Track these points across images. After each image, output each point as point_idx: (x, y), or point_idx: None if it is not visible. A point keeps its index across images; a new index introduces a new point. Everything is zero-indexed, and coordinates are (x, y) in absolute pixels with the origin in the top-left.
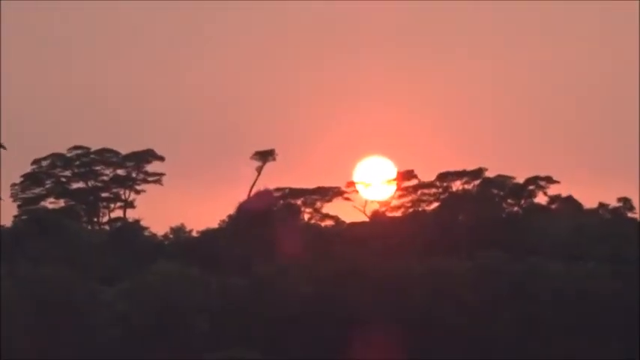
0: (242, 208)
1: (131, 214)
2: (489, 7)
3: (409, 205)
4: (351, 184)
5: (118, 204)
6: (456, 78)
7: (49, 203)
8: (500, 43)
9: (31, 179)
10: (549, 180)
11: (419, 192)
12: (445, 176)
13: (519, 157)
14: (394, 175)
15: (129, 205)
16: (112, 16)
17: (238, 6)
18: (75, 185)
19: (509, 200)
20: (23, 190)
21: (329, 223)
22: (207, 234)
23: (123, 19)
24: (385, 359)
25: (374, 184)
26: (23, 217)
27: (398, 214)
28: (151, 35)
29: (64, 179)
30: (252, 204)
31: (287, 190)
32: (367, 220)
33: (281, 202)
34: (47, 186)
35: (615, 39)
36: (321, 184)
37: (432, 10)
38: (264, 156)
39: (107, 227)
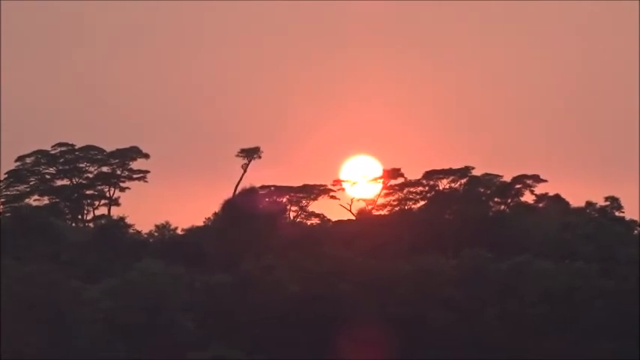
0: (227, 206)
1: (116, 212)
2: (475, 7)
3: (395, 203)
4: (338, 182)
5: (103, 201)
6: (443, 77)
7: (34, 200)
8: (487, 43)
9: (15, 176)
10: (536, 179)
11: (405, 190)
12: (432, 174)
13: (506, 155)
14: (381, 173)
15: (113, 202)
16: (97, 14)
17: (225, 5)
18: (59, 182)
19: (496, 199)
20: (7, 187)
21: (315, 221)
22: (193, 232)
23: (107, 17)
24: (372, 358)
25: (360, 182)
26: (7, 215)
27: (384, 212)
28: (137, 33)
29: (48, 176)
30: (238, 202)
31: (272, 188)
32: (353, 218)
33: (266, 199)
34: (31, 183)
35: (606, 38)
36: (307, 182)
37: (419, 12)
38: (250, 153)
39: (91, 225)
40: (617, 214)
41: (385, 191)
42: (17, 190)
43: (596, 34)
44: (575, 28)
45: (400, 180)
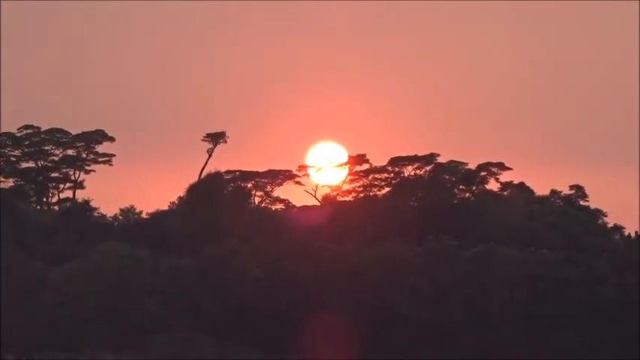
0: (192, 190)
1: (81, 195)
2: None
3: (360, 189)
4: (303, 167)
5: (68, 184)
6: (409, 65)
7: None
8: (451, 31)
9: None
10: (501, 166)
11: (370, 177)
12: (397, 161)
13: (471, 143)
14: (346, 159)
15: (78, 185)
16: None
17: None
18: (24, 165)
19: (461, 186)
20: None
21: (280, 206)
22: (157, 216)
23: (73, 4)
24: (335, 344)
25: (325, 168)
26: None
27: (349, 198)
28: (104, 19)
29: (13, 159)
30: (203, 186)
31: (237, 173)
32: (318, 204)
33: (231, 184)
34: None
35: (576, 32)
36: (272, 168)
37: (380, 2)
38: (216, 138)
39: (56, 207)
40: (581, 202)
41: (350, 177)
42: None
43: (569, 28)
44: (542, 21)
45: (365, 166)
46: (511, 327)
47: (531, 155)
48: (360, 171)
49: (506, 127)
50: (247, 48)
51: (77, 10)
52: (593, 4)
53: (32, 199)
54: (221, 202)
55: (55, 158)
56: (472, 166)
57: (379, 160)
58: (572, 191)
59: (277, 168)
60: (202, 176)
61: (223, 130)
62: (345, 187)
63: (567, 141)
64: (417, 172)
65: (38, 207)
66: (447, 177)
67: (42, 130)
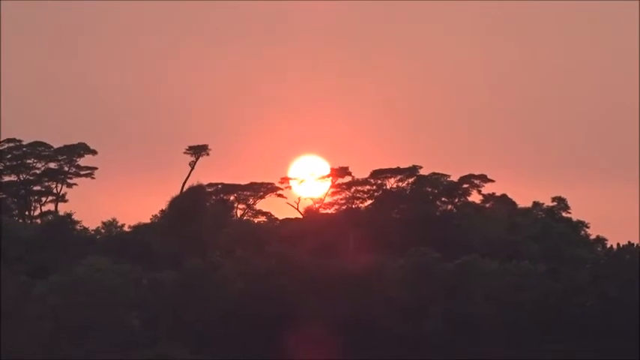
0: (174, 203)
1: (63, 208)
2: (420, 7)
3: (343, 202)
4: (285, 179)
5: (50, 197)
6: (390, 78)
7: None
8: (430, 43)
9: None
10: (484, 178)
11: (353, 189)
12: (379, 174)
13: (454, 155)
14: (328, 171)
15: (61, 198)
16: (44, 10)
17: (175, 4)
18: (6, 178)
19: (443, 198)
20: None
21: (262, 219)
22: (140, 229)
23: (56, 13)
24: (317, 356)
25: (308, 180)
26: None
27: (331, 211)
28: (85, 30)
29: None
30: (185, 199)
31: (220, 186)
32: (300, 216)
33: (213, 197)
34: None
35: (547, 38)
36: (254, 181)
37: (362, 15)
38: (198, 151)
39: (39, 221)
40: (564, 214)
41: (333, 190)
42: None
43: (553, 41)
44: (526, 34)
45: (348, 179)
46: (492, 338)
47: (514, 167)
48: (343, 183)
49: (488, 140)
50: (230, 61)
51: (59, 26)
52: (581, 16)
53: (14, 213)
54: (203, 215)
55: (37, 171)
56: (454, 178)
57: (361, 172)
58: (555, 203)
59: (259, 181)
60: (184, 189)
61: (205, 143)
62: (328, 199)
63: (549, 153)
64: (400, 184)
65: (20, 220)
66: (430, 189)
67: (24, 143)
